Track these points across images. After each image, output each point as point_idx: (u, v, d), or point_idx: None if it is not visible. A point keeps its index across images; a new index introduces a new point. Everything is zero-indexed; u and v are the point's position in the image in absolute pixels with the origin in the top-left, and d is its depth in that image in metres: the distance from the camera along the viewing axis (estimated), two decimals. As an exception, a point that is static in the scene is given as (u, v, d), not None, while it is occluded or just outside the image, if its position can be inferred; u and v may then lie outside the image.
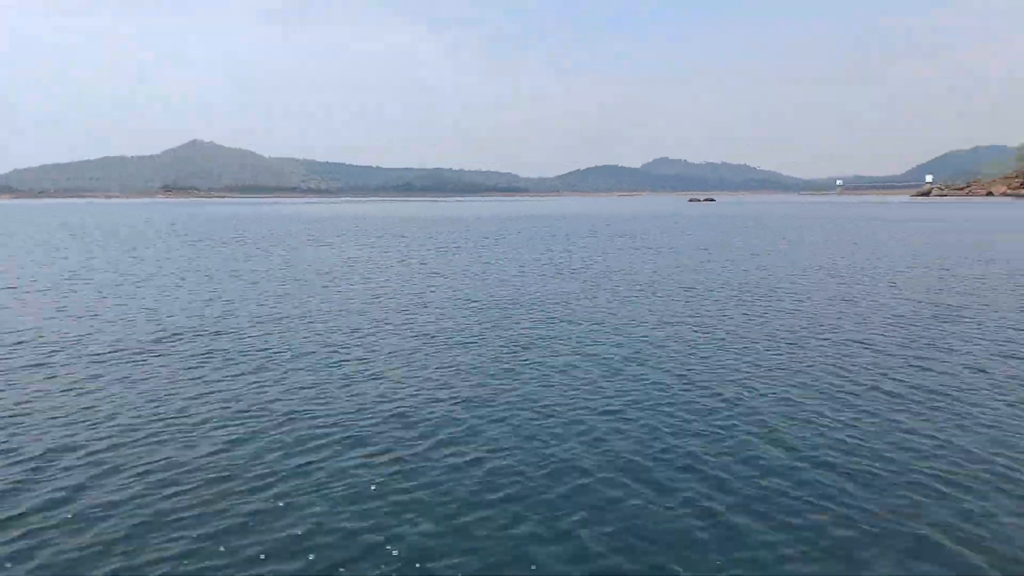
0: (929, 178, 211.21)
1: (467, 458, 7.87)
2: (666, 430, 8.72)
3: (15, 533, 6.28)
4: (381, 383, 10.91)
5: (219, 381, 11.10)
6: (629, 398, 10.05)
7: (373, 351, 13.08)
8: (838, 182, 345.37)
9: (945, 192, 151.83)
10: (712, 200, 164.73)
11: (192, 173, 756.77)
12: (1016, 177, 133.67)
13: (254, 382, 11.02)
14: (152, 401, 10.06)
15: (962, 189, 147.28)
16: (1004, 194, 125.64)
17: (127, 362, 12.38)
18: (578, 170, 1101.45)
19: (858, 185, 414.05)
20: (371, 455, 7.99)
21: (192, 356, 12.76)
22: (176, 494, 7.02)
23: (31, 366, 12.13)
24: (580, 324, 15.55)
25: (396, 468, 7.60)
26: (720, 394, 10.21)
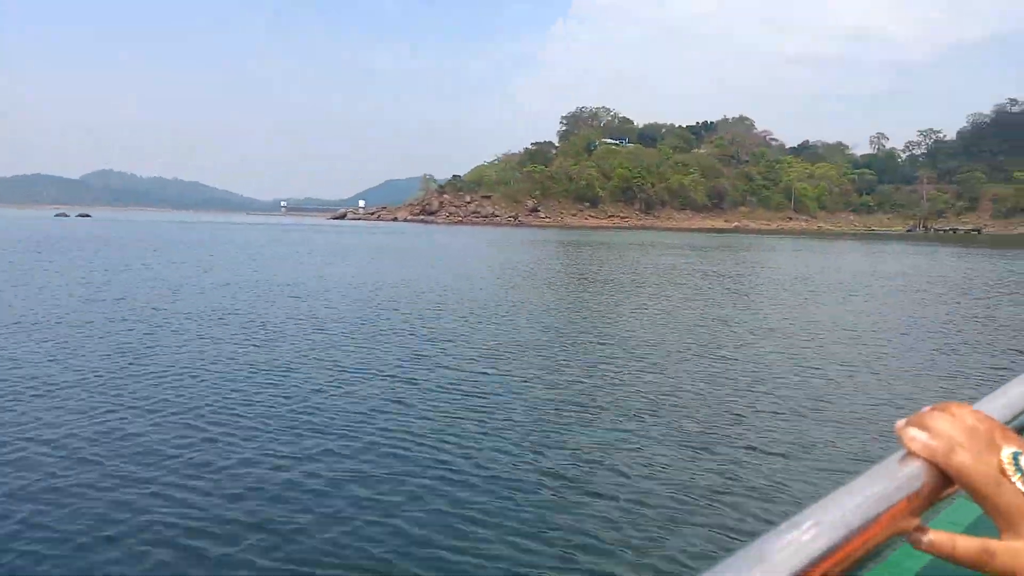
0: (362, 203, 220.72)
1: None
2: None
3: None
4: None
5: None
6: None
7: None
8: (282, 203, 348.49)
9: (359, 216, 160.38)
10: (88, 216, 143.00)
11: None
12: (417, 204, 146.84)
13: None
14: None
15: (373, 213, 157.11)
16: (406, 219, 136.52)
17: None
18: (5, 177, 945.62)
19: (304, 207, 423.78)
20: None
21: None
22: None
23: None
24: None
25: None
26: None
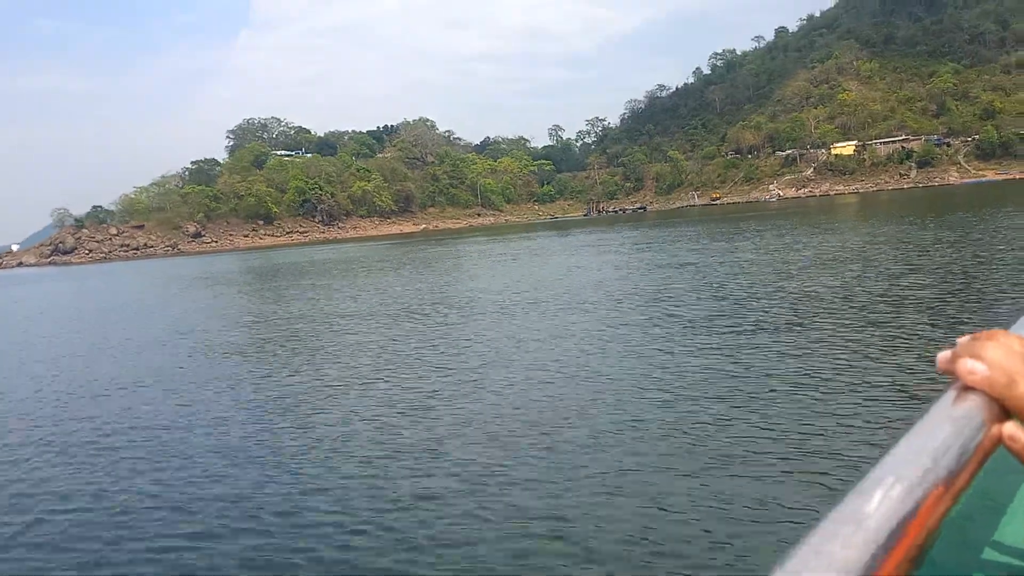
0: (15, 246, 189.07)
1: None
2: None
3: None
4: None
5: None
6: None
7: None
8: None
9: None
10: None
11: None
12: (49, 244, 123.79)
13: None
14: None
15: None
16: (34, 263, 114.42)
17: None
18: None
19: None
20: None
21: None
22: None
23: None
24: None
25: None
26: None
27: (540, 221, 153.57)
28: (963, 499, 0.61)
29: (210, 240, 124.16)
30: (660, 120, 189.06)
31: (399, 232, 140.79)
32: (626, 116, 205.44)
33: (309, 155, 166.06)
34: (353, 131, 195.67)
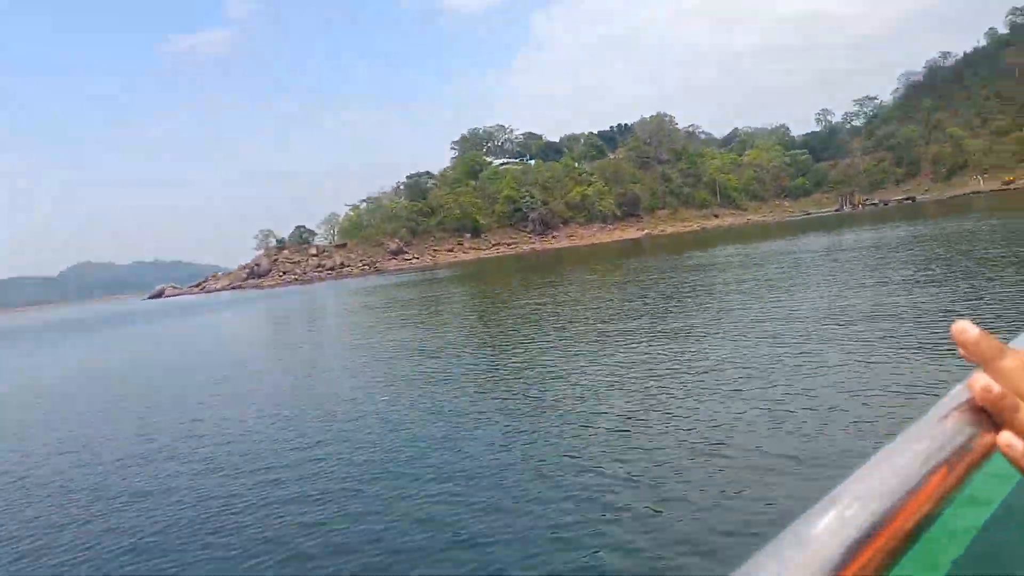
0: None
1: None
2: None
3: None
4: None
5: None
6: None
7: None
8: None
9: (180, 291, 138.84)
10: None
11: None
12: (247, 267, 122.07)
13: None
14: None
15: (197, 286, 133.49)
16: (230, 286, 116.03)
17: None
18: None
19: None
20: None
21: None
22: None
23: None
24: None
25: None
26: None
27: (787, 220, 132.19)
28: (946, 511, 0.58)
29: (411, 256, 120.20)
30: (942, 93, 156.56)
31: (618, 239, 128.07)
32: (899, 92, 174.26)
33: (532, 161, 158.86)
34: (588, 133, 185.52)
